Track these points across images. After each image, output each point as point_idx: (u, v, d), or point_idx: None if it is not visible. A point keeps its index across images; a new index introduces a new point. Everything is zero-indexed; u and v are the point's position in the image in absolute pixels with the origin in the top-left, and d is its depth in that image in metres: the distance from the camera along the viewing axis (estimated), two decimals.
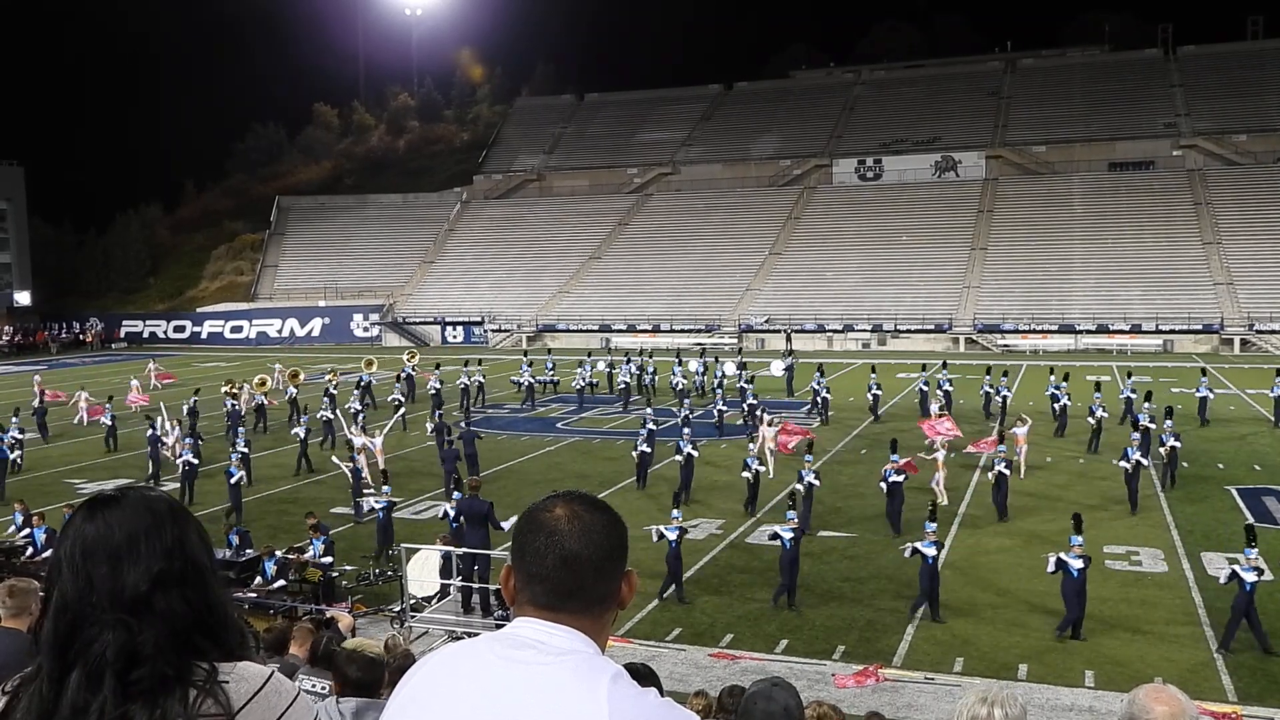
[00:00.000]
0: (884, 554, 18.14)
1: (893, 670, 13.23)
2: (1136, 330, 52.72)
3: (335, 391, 34.13)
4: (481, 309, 66.07)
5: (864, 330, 57.35)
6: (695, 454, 22.79)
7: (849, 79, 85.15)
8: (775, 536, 16.02)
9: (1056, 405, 29.50)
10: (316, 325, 70.69)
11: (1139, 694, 2.46)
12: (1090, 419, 26.80)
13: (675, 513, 16.66)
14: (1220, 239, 58.89)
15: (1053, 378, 31.39)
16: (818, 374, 33.24)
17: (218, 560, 1.93)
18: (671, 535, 15.96)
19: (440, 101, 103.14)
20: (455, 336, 65.59)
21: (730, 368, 37.53)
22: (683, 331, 59.58)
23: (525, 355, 41.76)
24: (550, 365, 40.76)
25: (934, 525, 15.56)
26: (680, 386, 35.59)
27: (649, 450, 24.13)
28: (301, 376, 37.33)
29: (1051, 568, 14.53)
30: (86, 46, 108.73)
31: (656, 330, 60.08)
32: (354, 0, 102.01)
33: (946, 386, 32.63)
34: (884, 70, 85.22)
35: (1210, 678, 12.80)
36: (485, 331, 64.75)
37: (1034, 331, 54.30)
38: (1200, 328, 52.20)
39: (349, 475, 22.68)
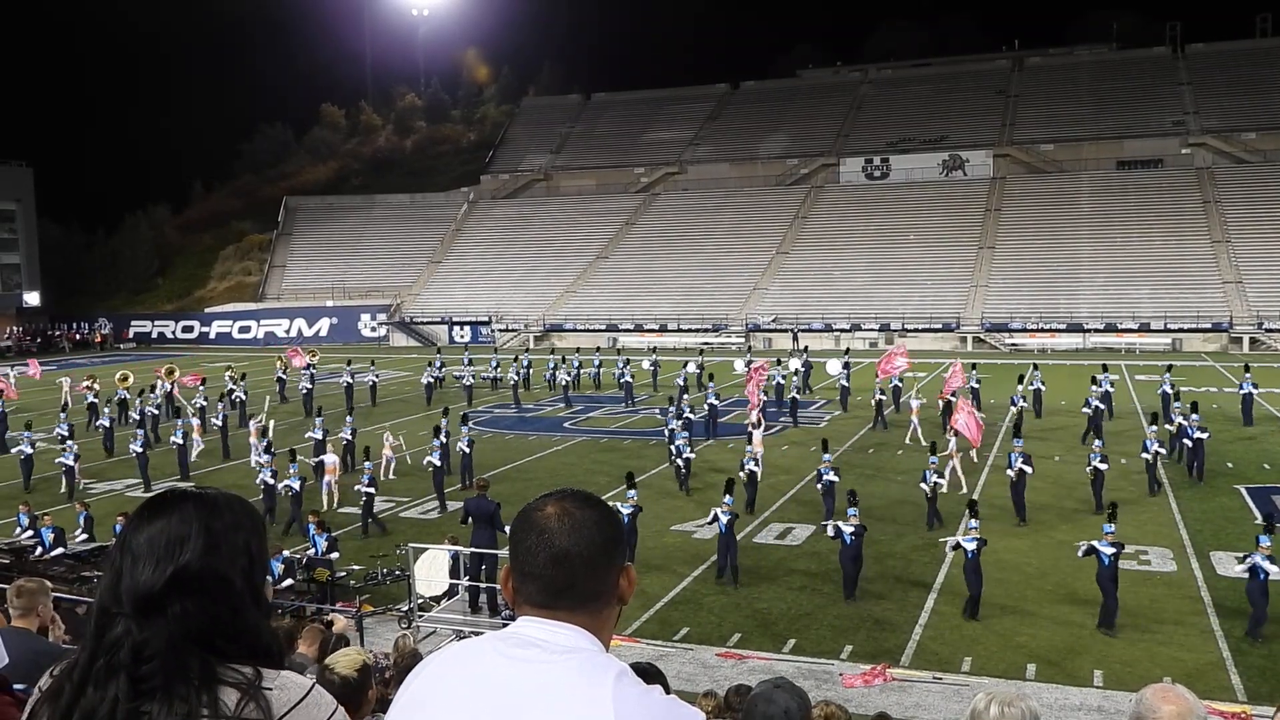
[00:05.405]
0: (891, 551, 18.11)
1: (901, 669, 13.20)
2: (1145, 329, 52.57)
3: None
4: (489, 309, 66.14)
5: (872, 329, 57.24)
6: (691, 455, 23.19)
7: (856, 78, 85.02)
8: (837, 533, 16.20)
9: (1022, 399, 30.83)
10: (324, 325, 70.85)
11: (1147, 693, 2.46)
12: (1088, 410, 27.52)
13: (728, 498, 17.47)
14: (1229, 237, 58.68)
15: (1038, 373, 32.96)
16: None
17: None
18: (724, 519, 16.94)
19: (447, 101, 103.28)
20: (463, 336, 65.61)
21: (793, 364, 37.67)
22: (690, 331, 59.58)
23: (439, 352, 43.24)
24: (495, 363, 41.86)
25: (976, 522, 15.65)
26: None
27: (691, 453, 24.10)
28: (177, 373, 37.65)
29: (1081, 553, 15.02)
30: (94, 48, 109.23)
31: (663, 330, 60.07)
32: (361, 1, 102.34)
33: (843, 383, 34.65)
34: (891, 69, 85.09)
35: (1219, 677, 12.76)
36: (493, 331, 64.79)
37: (1042, 330, 54.14)
38: (1209, 326, 52.02)
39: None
